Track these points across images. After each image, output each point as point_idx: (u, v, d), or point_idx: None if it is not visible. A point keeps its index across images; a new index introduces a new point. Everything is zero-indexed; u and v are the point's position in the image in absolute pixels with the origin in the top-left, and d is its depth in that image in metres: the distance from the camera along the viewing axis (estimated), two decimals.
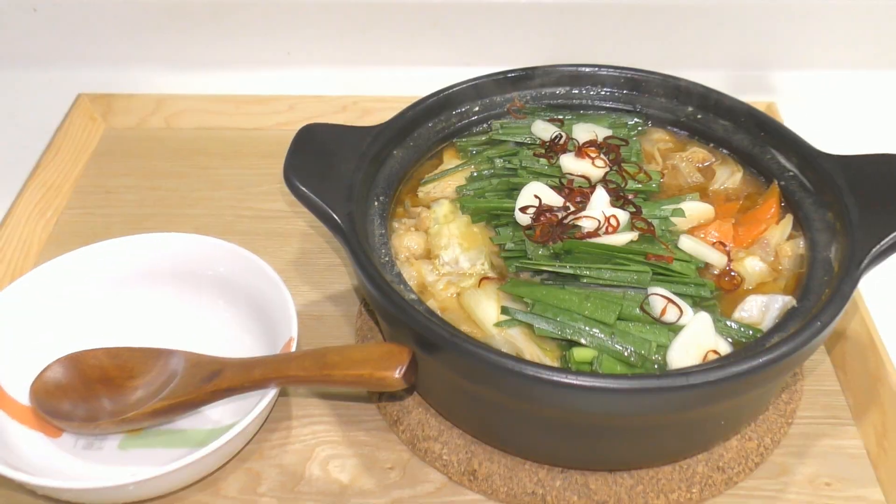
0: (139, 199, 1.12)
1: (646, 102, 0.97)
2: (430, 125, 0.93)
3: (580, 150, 0.86)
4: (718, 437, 0.77)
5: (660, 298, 0.73)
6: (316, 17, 1.27)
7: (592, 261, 0.76)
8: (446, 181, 0.89)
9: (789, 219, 0.84)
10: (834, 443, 0.82)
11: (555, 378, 0.65)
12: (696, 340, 0.72)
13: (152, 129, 1.24)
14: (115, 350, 0.82)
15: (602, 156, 0.87)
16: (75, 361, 0.81)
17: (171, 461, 0.70)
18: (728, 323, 0.74)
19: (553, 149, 0.88)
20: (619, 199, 0.82)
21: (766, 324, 0.75)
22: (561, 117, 0.95)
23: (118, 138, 1.22)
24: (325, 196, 0.79)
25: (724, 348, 0.72)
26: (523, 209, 0.80)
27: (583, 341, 0.71)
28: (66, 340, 0.85)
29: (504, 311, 0.74)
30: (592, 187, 0.83)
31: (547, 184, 0.83)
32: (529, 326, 0.73)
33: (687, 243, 0.79)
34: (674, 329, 0.72)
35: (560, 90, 0.98)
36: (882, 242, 0.75)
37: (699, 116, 0.95)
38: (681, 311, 0.73)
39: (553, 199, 0.81)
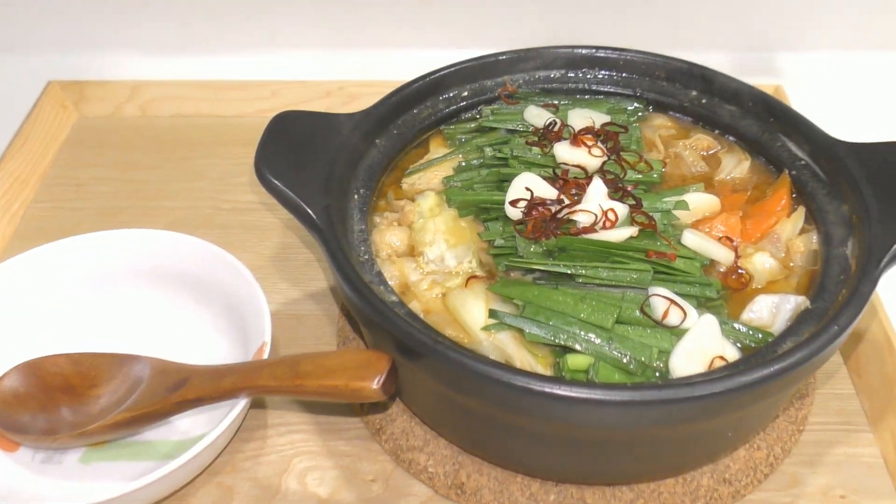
0: (112, 192, 1.06)
1: (646, 86, 0.91)
2: (415, 112, 0.88)
3: (576, 138, 0.80)
4: (725, 448, 0.72)
5: (661, 299, 0.68)
6: None
7: (589, 258, 0.70)
8: (432, 172, 0.84)
9: (801, 211, 0.78)
10: (849, 451, 0.78)
11: (545, 389, 0.59)
12: (701, 345, 0.66)
13: (127, 117, 1.19)
14: (78, 356, 0.77)
15: (599, 144, 0.81)
16: (34, 369, 0.76)
17: (136, 475, 0.66)
18: (736, 325, 0.69)
19: (547, 136, 0.82)
20: (617, 190, 0.76)
21: (778, 326, 0.69)
22: (556, 102, 0.89)
23: (91, 127, 1.16)
24: (300, 189, 0.73)
25: (732, 354, 0.67)
26: (513, 202, 0.74)
27: (578, 347, 0.65)
28: (26, 345, 0.80)
29: (492, 314, 0.68)
30: (589, 178, 0.77)
31: (540, 174, 0.77)
32: (520, 331, 0.68)
33: (691, 239, 0.73)
34: (677, 333, 0.67)
35: (555, 73, 0.92)
36: None
37: (703, 101, 0.89)
38: (684, 314, 0.67)
39: (546, 191, 0.75)
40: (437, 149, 0.87)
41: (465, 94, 0.90)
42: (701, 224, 0.78)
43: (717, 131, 0.89)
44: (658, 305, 0.68)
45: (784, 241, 0.76)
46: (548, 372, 0.66)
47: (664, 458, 0.70)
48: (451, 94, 0.90)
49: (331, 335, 0.87)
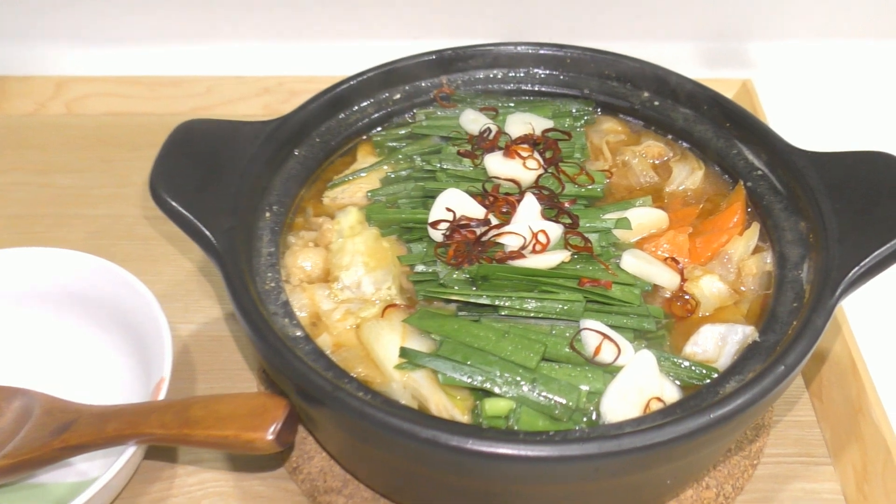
0: (30, 199, 0.99)
1: (595, 87, 0.84)
2: (341, 117, 0.80)
3: (509, 149, 0.73)
4: (665, 494, 0.65)
5: (594, 334, 0.61)
6: None
7: (515, 287, 0.63)
8: (357, 184, 0.76)
9: (755, 228, 0.71)
10: (806, 486, 0.72)
11: (453, 443, 0.52)
12: (636, 385, 0.59)
13: (51, 115, 1.12)
14: None
15: (536, 155, 0.73)
16: None
17: None
18: (676, 360, 0.62)
19: (480, 145, 0.75)
20: (553, 208, 0.69)
21: (723, 361, 0.63)
22: (496, 106, 0.81)
23: (11, 127, 1.10)
24: (201, 210, 0.66)
25: (671, 394, 0.60)
26: (434, 224, 0.67)
27: (497, 391, 0.59)
28: None
29: (403, 353, 0.61)
30: (522, 194, 0.70)
31: (468, 190, 0.70)
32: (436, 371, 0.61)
33: (631, 262, 0.66)
34: (611, 371, 0.60)
35: (496, 73, 0.84)
36: (863, 262, 0.62)
37: (656, 103, 0.82)
38: (618, 350, 0.60)
39: (473, 209, 0.68)
40: (365, 158, 0.80)
41: (398, 96, 0.83)
42: (646, 242, 0.71)
43: (669, 136, 0.82)
44: (590, 340, 0.61)
45: (735, 261, 0.69)
46: (465, 417, 0.60)
47: None
48: (383, 97, 0.82)
49: (253, 359, 0.81)
